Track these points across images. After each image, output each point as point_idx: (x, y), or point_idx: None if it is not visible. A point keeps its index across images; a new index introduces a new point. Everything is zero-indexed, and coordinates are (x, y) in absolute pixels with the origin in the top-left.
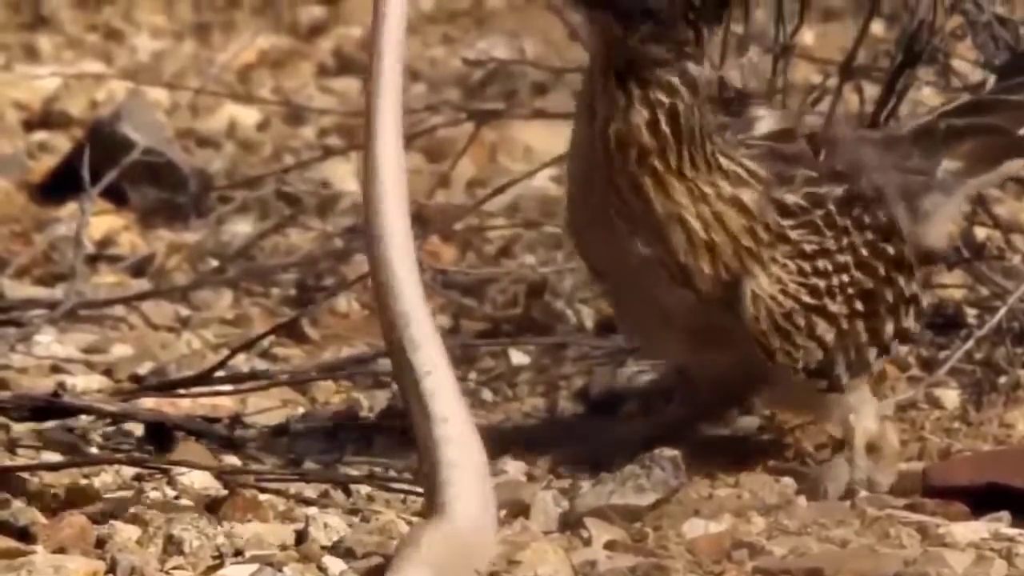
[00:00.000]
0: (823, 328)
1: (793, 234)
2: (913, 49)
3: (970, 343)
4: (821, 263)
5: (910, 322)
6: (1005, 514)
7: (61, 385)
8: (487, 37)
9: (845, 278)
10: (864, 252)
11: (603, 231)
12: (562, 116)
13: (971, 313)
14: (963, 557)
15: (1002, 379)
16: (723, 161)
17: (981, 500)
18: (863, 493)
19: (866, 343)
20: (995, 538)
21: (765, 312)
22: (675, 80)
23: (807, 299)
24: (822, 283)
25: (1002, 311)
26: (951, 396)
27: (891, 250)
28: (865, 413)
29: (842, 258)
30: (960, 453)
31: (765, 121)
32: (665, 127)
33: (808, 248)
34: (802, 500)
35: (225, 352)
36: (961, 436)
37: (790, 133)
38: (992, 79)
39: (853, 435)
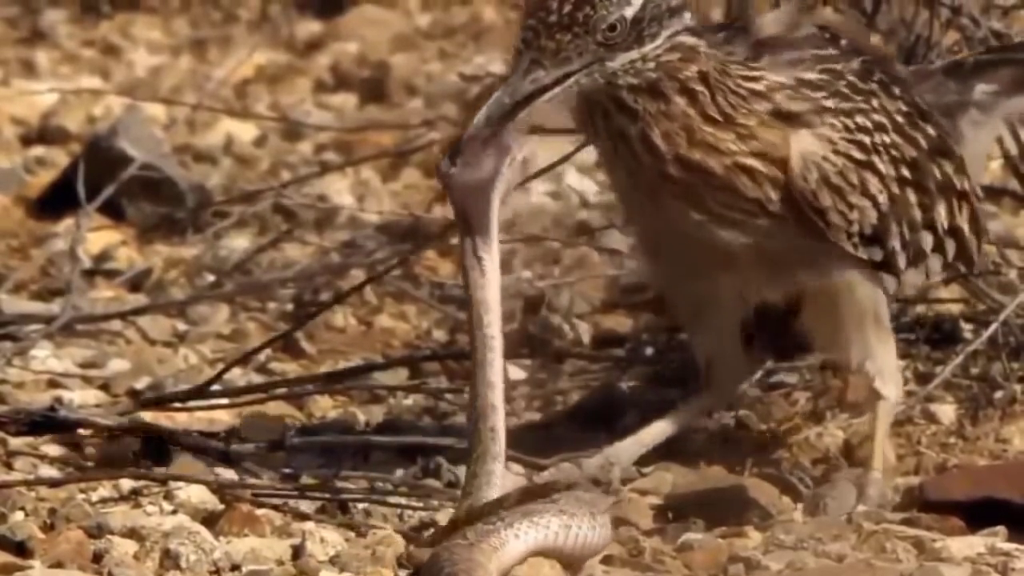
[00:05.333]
0: (875, 186)
1: (826, 102)
2: (910, 64)
3: (961, 358)
4: (860, 119)
5: (964, 222)
6: (1001, 528)
7: (58, 400)
8: (484, 52)
9: (887, 139)
10: (899, 119)
11: (662, 224)
12: (559, 131)
13: (967, 328)
14: (959, 571)
15: (998, 394)
16: (750, 84)
17: (977, 514)
18: (861, 507)
19: (920, 222)
20: (991, 552)
21: (817, 173)
22: (680, 48)
23: (857, 155)
24: (867, 139)
25: (994, 326)
26: (947, 411)
27: (932, 131)
28: (891, 379)
29: (878, 117)
30: (956, 468)
31: (769, 26)
32: (701, 89)
33: (846, 105)
34: (798, 514)
35: (222, 366)
36: (957, 451)
37: (798, 25)
38: None
39: (875, 424)
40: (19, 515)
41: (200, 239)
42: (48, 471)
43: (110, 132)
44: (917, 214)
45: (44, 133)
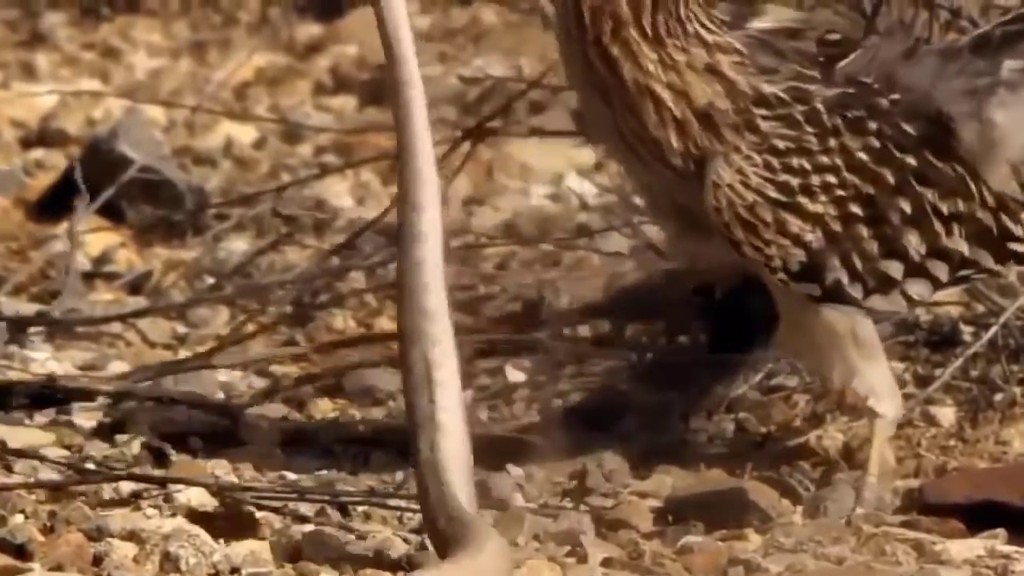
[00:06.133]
0: (799, 227)
1: (764, 125)
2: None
3: (961, 360)
4: (795, 160)
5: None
6: (1001, 531)
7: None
8: (484, 55)
9: (832, 179)
10: (863, 156)
11: (591, 108)
12: (559, 134)
13: (967, 331)
14: (959, 574)
15: (998, 396)
16: (702, 31)
17: (977, 517)
18: (860, 510)
19: (878, 254)
20: (991, 555)
21: (726, 202)
22: None
23: (773, 194)
24: (795, 180)
25: (995, 328)
26: (947, 413)
27: (912, 162)
28: (885, 394)
29: (826, 159)
30: (956, 470)
31: (768, 17)
32: None
33: (780, 144)
34: (798, 517)
35: (220, 369)
36: (957, 453)
37: (798, 32)
38: None
39: (873, 438)
40: (19, 518)
41: (199, 242)
42: (48, 474)
43: (110, 134)
44: (873, 246)
45: (44, 135)
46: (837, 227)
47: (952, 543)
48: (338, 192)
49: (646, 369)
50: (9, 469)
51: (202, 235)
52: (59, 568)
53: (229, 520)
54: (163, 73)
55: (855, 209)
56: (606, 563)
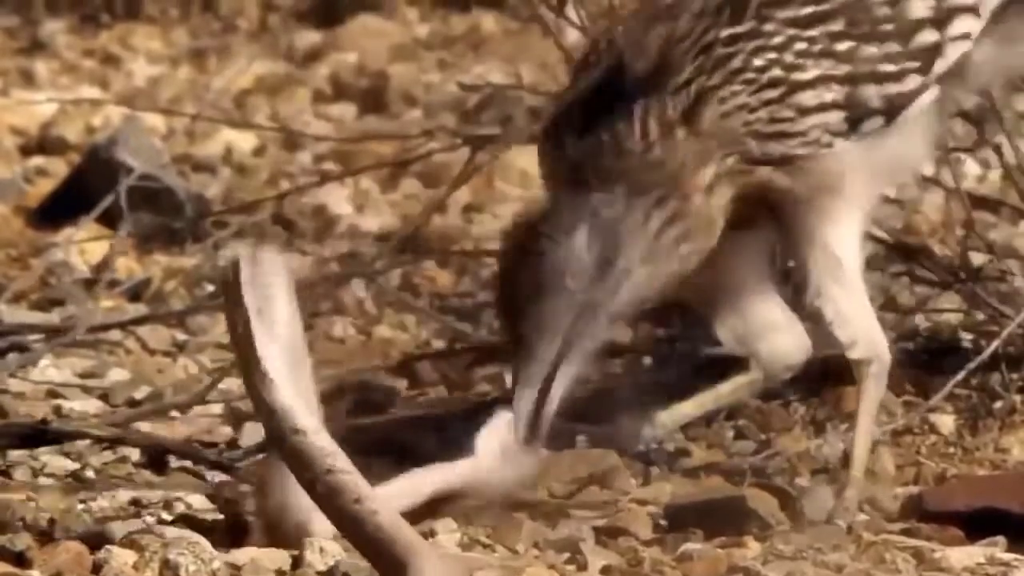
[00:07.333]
0: (806, 96)
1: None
2: None
3: (963, 374)
4: (757, 60)
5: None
6: (1000, 539)
7: (57, 409)
8: (483, 62)
9: (801, 45)
10: (797, 34)
11: None
12: None
13: (967, 337)
14: None
15: (997, 404)
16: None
17: (977, 525)
18: (859, 517)
19: (884, 74)
20: (990, 562)
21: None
22: None
23: (772, 94)
24: (777, 71)
25: (997, 341)
26: (947, 421)
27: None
28: (861, 331)
29: (775, 40)
30: (956, 478)
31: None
32: None
33: (734, 64)
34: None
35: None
36: (957, 461)
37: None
38: None
39: (860, 406)
40: (18, 525)
41: (199, 249)
42: (48, 483)
43: (109, 142)
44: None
45: (43, 143)
46: (836, 71)
47: (952, 550)
48: (337, 199)
49: (646, 375)
50: (9, 476)
51: (202, 242)
52: None
53: (229, 527)
54: (162, 80)
55: (840, 47)
56: (605, 570)
